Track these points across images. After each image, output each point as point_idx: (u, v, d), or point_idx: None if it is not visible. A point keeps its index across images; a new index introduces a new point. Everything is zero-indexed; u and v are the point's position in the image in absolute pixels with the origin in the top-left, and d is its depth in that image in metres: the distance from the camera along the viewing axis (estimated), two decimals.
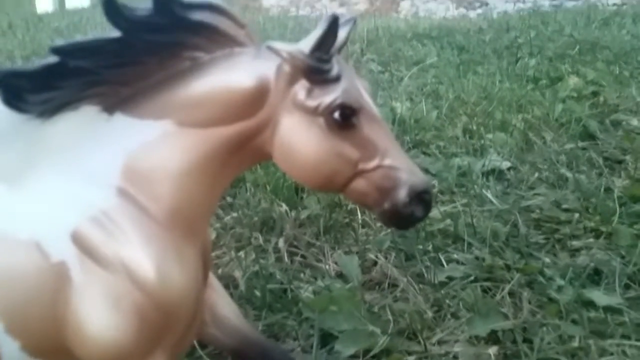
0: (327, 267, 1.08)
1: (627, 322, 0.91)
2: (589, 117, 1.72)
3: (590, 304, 0.97)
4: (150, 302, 0.53)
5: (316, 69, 0.54)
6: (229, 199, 1.28)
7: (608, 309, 0.96)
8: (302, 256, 1.11)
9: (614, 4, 4.24)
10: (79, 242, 0.53)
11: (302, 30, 3.30)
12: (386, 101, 1.94)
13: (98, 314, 0.52)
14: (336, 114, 0.54)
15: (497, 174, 1.42)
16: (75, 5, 5.97)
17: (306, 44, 0.55)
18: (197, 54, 0.54)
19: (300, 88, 0.55)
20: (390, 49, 2.76)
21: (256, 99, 0.55)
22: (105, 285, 0.52)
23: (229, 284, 1.00)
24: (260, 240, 1.12)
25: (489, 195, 1.29)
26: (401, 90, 2.06)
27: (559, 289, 1.01)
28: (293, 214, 1.20)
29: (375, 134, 0.56)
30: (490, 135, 1.61)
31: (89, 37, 0.52)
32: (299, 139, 0.55)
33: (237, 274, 1.01)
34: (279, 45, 0.56)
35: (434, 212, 1.22)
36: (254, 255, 1.07)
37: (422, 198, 0.57)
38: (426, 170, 1.44)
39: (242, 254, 1.07)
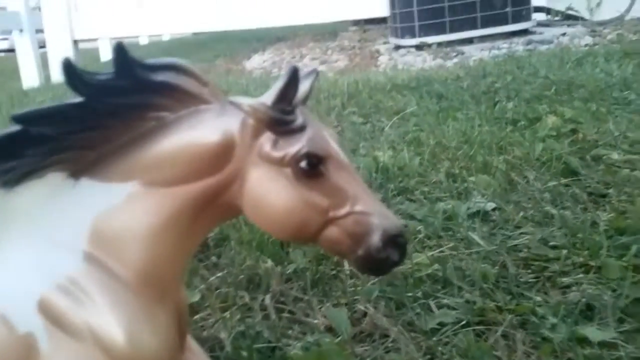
0: (316, 321, 1.05)
1: (623, 357, 0.89)
2: (569, 154, 1.74)
3: (584, 341, 0.95)
4: None
5: (279, 121, 0.55)
6: (213, 259, 1.27)
7: (603, 344, 0.94)
8: (290, 312, 1.08)
9: (586, 45, 4.37)
10: (46, 311, 0.51)
11: None
12: (369, 151, 1.96)
13: None
14: (303, 163, 0.55)
15: (482, 215, 1.41)
16: (61, 79, 6.07)
17: (268, 97, 0.56)
18: (162, 114, 0.55)
19: (266, 140, 0.55)
20: (370, 101, 2.81)
21: (222, 154, 0.55)
22: (73, 354, 0.51)
23: (214, 346, 0.97)
24: (247, 299, 1.10)
25: (476, 237, 1.29)
26: (383, 140, 2.08)
27: (553, 327, 0.99)
28: (279, 269, 1.19)
29: (345, 181, 0.56)
30: (473, 178, 1.62)
31: (51, 103, 0.52)
32: (267, 191, 0.55)
33: (223, 335, 0.98)
34: (241, 99, 0.57)
35: (422, 258, 1.22)
36: (239, 315, 1.04)
37: (396, 242, 0.56)
38: (411, 217, 1.44)
39: (227, 314, 1.05)
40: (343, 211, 0.56)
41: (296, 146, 0.55)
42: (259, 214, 0.56)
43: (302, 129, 0.56)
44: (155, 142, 0.54)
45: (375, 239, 0.55)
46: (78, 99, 0.52)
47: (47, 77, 6.13)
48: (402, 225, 0.58)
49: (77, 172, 0.54)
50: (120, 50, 0.52)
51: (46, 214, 0.54)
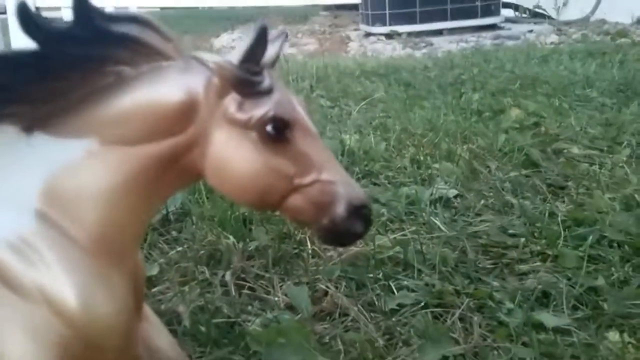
0: (276, 299, 1.05)
1: (576, 343, 0.92)
2: (531, 146, 1.77)
3: (539, 326, 0.97)
4: (74, 334, 0.49)
5: (246, 81, 0.53)
6: (174, 233, 1.24)
7: (557, 330, 0.96)
8: (251, 288, 1.07)
9: (552, 42, 4.45)
10: None
11: None
12: (335, 134, 1.95)
13: (16, 347, 0.47)
14: (269, 127, 0.53)
15: (444, 201, 1.43)
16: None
17: (235, 55, 0.53)
18: (121, 68, 0.52)
19: (231, 101, 0.53)
20: (339, 85, 2.80)
21: (185, 114, 0.53)
22: (23, 316, 0.48)
23: (172, 319, 0.95)
24: (207, 274, 1.09)
25: (437, 222, 1.30)
26: (350, 124, 2.08)
27: (509, 312, 1.01)
28: (241, 246, 1.17)
29: (311, 148, 0.55)
30: (437, 165, 1.63)
31: (5, 50, 0.49)
32: (231, 154, 0.53)
33: (182, 309, 0.96)
34: (206, 56, 0.54)
35: (384, 240, 1.22)
36: (199, 290, 1.03)
37: (360, 213, 0.55)
38: (375, 200, 1.44)
39: (186, 288, 1.03)
40: (309, 179, 0.54)
41: (262, 109, 0.53)
42: (221, 178, 0.54)
43: (269, 91, 0.54)
44: (115, 98, 0.52)
45: (340, 209, 0.54)
46: (35, 47, 0.49)
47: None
48: (367, 196, 0.57)
49: (30, 126, 0.51)
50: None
51: None
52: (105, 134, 0.52)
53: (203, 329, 0.93)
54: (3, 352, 0.48)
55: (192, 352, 0.88)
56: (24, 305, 0.48)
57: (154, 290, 1.03)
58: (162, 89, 0.52)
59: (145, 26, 0.52)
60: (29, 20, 0.48)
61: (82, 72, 0.51)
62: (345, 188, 0.55)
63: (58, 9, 8.22)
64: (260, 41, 0.53)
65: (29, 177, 0.51)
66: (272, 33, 0.59)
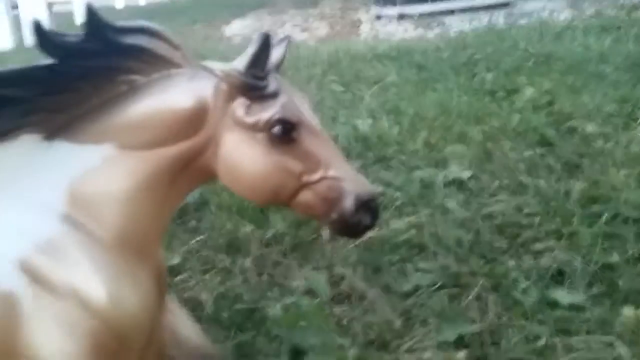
0: (295, 284, 1.07)
1: (591, 319, 0.93)
2: (545, 126, 1.77)
3: (554, 304, 0.98)
4: (104, 327, 0.52)
5: (252, 86, 0.56)
6: (193, 223, 1.27)
7: (572, 307, 0.98)
8: (270, 275, 1.10)
9: (565, 19, 4.38)
10: (28, 271, 0.52)
11: None
12: (348, 119, 1.96)
13: (51, 341, 0.51)
14: (276, 129, 0.56)
15: (458, 184, 1.44)
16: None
17: (240, 62, 0.56)
18: (133, 77, 0.55)
19: (239, 105, 0.56)
20: (351, 70, 2.80)
21: (196, 118, 0.56)
22: (57, 312, 0.52)
23: (196, 307, 0.98)
24: (227, 262, 1.12)
25: (452, 204, 1.31)
26: (362, 108, 2.09)
27: (524, 290, 1.02)
28: (259, 233, 1.20)
29: (317, 147, 0.58)
30: (450, 148, 1.64)
31: (21, 65, 0.52)
32: (241, 156, 0.56)
33: (204, 296, 1.00)
34: (214, 64, 0.58)
35: (399, 224, 1.24)
36: (220, 278, 1.06)
37: (368, 206, 0.58)
38: (389, 184, 1.46)
39: (207, 276, 1.06)
40: (316, 176, 0.57)
41: (269, 112, 0.56)
42: (233, 178, 0.57)
43: (275, 95, 0.57)
44: (128, 106, 0.55)
45: (348, 203, 0.57)
46: (49, 61, 0.52)
47: (20, 40, 5.97)
48: (374, 190, 0.60)
49: (51, 134, 0.54)
50: (91, 12, 0.52)
51: (23, 176, 0.54)
52: (121, 139, 0.55)
53: (225, 315, 0.96)
54: (39, 344, 0.51)
55: (217, 337, 0.91)
56: (57, 302, 0.52)
57: (176, 279, 1.06)
58: (173, 95, 0.55)
59: (154, 36, 0.55)
60: (44, 38, 0.51)
61: (95, 83, 0.54)
62: (352, 183, 0.58)
63: (69, 2, 8.27)
64: (264, 49, 0.55)
65: (53, 183, 0.54)
66: (275, 38, 0.61)
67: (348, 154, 1.66)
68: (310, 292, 1.05)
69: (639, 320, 0.91)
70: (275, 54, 0.60)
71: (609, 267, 1.07)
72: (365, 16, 5.37)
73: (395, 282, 1.06)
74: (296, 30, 5.11)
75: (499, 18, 4.59)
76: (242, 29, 5.67)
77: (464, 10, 4.87)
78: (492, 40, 3.36)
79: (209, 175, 0.59)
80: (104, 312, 0.53)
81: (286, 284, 1.08)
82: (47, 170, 0.54)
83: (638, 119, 1.81)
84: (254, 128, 0.56)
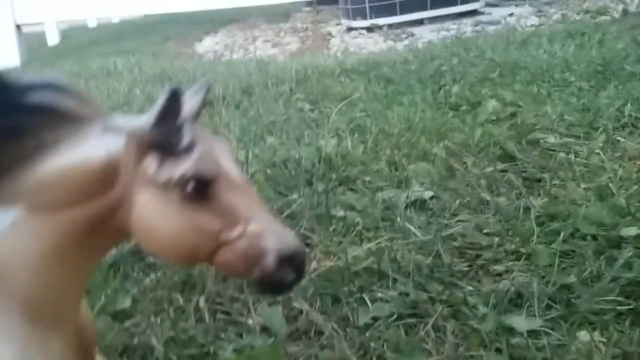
0: (250, 321, 1.05)
1: (547, 346, 0.92)
2: (507, 139, 1.77)
3: (512, 330, 0.97)
4: None
5: (161, 143, 0.53)
6: (150, 259, 1.24)
7: (530, 333, 0.97)
8: (225, 312, 1.08)
9: (532, 25, 4.44)
10: None
11: (231, 74, 3.31)
12: (312, 140, 1.95)
13: None
14: (189, 187, 0.53)
15: (419, 204, 1.43)
16: (5, 65, 5.82)
17: (149, 118, 0.53)
18: (40, 135, 0.52)
19: (151, 162, 0.53)
20: (319, 87, 2.79)
21: (106, 177, 0.53)
22: None
23: (146, 353, 0.96)
24: (181, 301, 1.09)
25: (412, 227, 1.30)
26: (328, 128, 2.08)
27: (482, 317, 1.01)
28: (214, 269, 1.17)
29: (237, 201, 0.55)
30: (412, 166, 1.63)
31: None
32: (154, 215, 0.53)
33: (154, 341, 0.97)
34: (123, 121, 0.55)
35: (358, 251, 1.22)
36: (173, 318, 1.03)
37: (292, 262, 0.55)
38: (352, 207, 1.45)
39: (159, 319, 1.03)
40: (235, 233, 0.54)
41: (182, 168, 0.53)
42: (147, 239, 0.55)
43: (189, 148, 0.54)
44: (36, 164, 0.52)
45: (269, 260, 0.54)
46: None
47: None
48: (297, 244, 0.57)
49: None
50: None
51: None
52: (29, 201, 0.52)
53: None
54: None
55: None
56: None
57: (127, 323, 1.03)
58: (81, 153, 0.53)
59: (61, 91, 0.52)
60: None
61: (1, 142, 0.51)
62: (274, 239, 0.55)
63: (40, 24, 8.18)
64: (172, 104, 0.52)
65: None
66: (194, 87, 0.59)
67: (311, 177, 1.65)
68: (267, 330, 1.03)
69: (593, 345, 0.90)
70: (191, 104, 0.57)
71: (566, 287, 1.07)
72: (335, 29, 5.39)
73: (354, 314, 1.04)
74: (267, 46, 5.10)
75: (467, 26, 4.64)
76: (213, 46, 5.65)
77: (432, 20, 4.91)
78: (458, 50, 3.38)
79: (124, 235, 0.57)
80: None
81: (242, 321, 1.05)
82: None
83: (599, 128, 1.82)
84: (166, 186, 0.53)
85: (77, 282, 0.57)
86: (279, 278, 0.55)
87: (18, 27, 6.02)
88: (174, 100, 0.52)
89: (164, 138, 0.53)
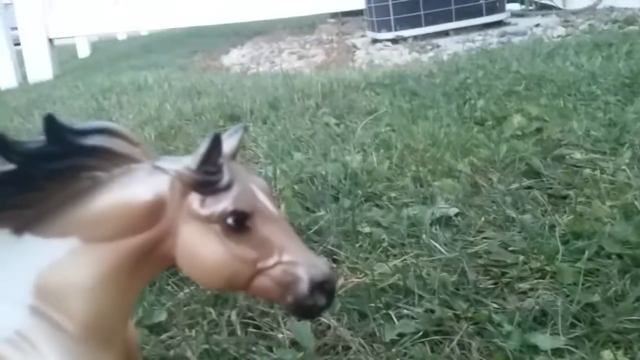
0: (280, 335, 1.09)
1: None
2: (532, 155, 1.78)
3: (536, 349, 0.99)
4: None
5: (204, 183, 0.58)
6: (182, 274, 1.29)
7: (554, 351, 0.98)
8: (256, 326, 1.12)
9: (559, 36, 4.42)
10: None
11: (258, 88, 3.37)
12: (338, 155, 1.98)
13: None
14: (229, 220, 0.58)
15: (445, 220, 1.45)
16: (39, 78, 6.00)
17: (193, 160, 0.59)
18: (95, 173, 0.58)
19: (194, 199, 0.59)
20: (344, 101, 2.83)
21: (154, 212, 0.58)
22: None
23: None
24: (214, 315, 1.13)
25: (437, 244, 1.33)
26: (353, 143, 2.11)
27: (507, 335, 1.03)
28: None
29: (272, 233, 0.60)
30: (438, 183, 1.66)
31: None
32: (197, 246, 0.58)
33: (189, 353, 1.01)
34: (167, 164, 0.60)
35: (384, 268, 1.25)
36: (206, 332, 1.07)
37: (323, 288, 0.60)
38: (378, 224, 1.48)
39: (194, 332, 1.08)
40: (271, 262, 0.59)
41: (223, 204, 0.58)
42: (191, 268, 0.60)
43: (228, 187, 0.58)
44: (91, 200, 0.57)
45: (303, 286, 0.58)
46: (11, 166, 0.54)
47: (24, 76, 6.07)
48: (328, 271, 0.61)
49: (19, 228, 0.57)
50: (49, 119, 0.55)
51: None
52: (85, 232, 0.57)
53: None
54: None
55: None
56: None
57: (162, 336, 1.08)
58: (133, 190, 0.58)
59: (113, 135, 0.58)
60: (7, 148, 0.54)
61: (59, 181, 0.57)
62: (307, 267, 0.59)
63: (72, 37, 8.40)
64: (214, 147, 0.57)
65: (21, 274, 0.56)
66: (230, 129, 0.65)
67: (338, 193, 1.69)
68: (295, 344, 1.07)
69: None
70: (229, 144, 0.63)
71: (591, 306, 1.08)
72: (360, 41, 5.43)
73: (380, 330, 1.07)
74: (293, 58, 5.17)
75: (493, 37, 4.64)
76: (240, 58, 5.75)
77: (457, 31, 4.92)
78: (484, 62, 3.39)
79: (169, 263, 0.62)
80: None
81: (272, 335, 1.09)
82: (14, 263, 0.57)
83: (625, 143, 1.83)
84: (208, 220, 0.58)
85: (126, 304, 0.62)
86: (312, 303, 0.59)
87: (50, 40, 6.21)
88: (215, 144, 0.57)
89: (206, 178, 0.58)
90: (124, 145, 0.58)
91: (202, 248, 0.58)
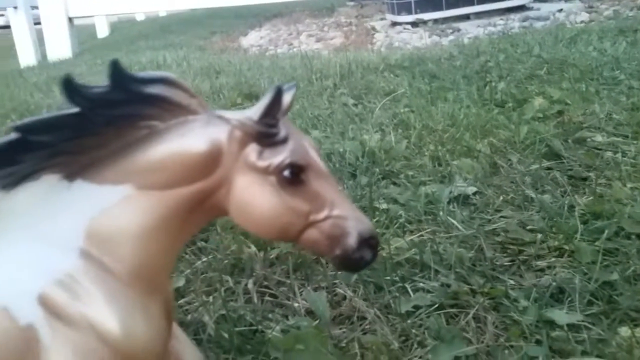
0: (296, 305, 1.10)
1: (587, 339, 0.94)
2: (553, 137, 1.76)
3: (552, 324, 0.99)
4: (117, 356, 0.56)
5: (265, 134, 0.60)
6: (200, 244, 1.31)
7: (570, 327, 0.98)
8: (272, 295, 1.13)
9: (582, 21, 4.35)
10: (46, 304, 0.56)
11: (276, 69, 3.37)
12: (356, 134, 1.98)
13: None
14: (286, 172, 0.59)
15: (462, 199, 1.45)
16: (58, 56, 6.05)
17: (254, 112, 0.60)
18: (153, 122, 0.59)
19: (252, 151, 0.60)
20: (362, 82, 2.82)
21: (210, 162, 0.59)
22: (72, 343, 0.55)
23: (198, 329, 1.01)
24: (231, 283, 1.14)
25: (455, 221, 1.32)
26: (372, 122, 2.10)
27: (523, 310, 1.03)
28: (262, 254, 1.22)
29: (323, 188, 0.61)
30: (456, 162, 1.65)
31: (49, 113, 0.56)
32: (252, 197, 0.60)
33: (206, 318, 1.03)
34: (229, 114, 0.61)
35: (401, 242, 1.25)
36: (223, 299, 1.08)
37: (369, 243, 0.62)
38: (395, 201, 1.48)
39: (211, 298, 1.09)
40: (322, 215, 0.60)
41: (280, 157, 0.59)
42: (244, 217, 0.61)
43: (285, 140, 0.60)
44: (147, 149, 0.58)
45: (351, 240, 0.60)
46: (75, 110, 0.55)
47: (43, 55, 6.12)
48: (373, 228, 0.63)
49: (71, 174, 0.58)
50: (115, 65, 0.56)
51: (43, 214, 0.57)
52: (139, 180, 0.58)
53: (227, 336, 0.98)
54: None
55: (217, 359, 0.94)
56: (73, 333, 0.55)
57: (180, 301, 1.09)
58: (190, 140, 0.59)
59: (172, 86, 0.58)
60: (74, 91, 0.55)
61: (117, 128, 0.57)
62: (355, 222, 0.61)
63: (91, 17, 8.44)
64: (276, 101, 0.59)
65: (72, 220, 0.58)
66: (285, 86, 0.65)
67: (355, 170, 1.69)
68: (311, 313, 1.07)
69: (633, 340, 0.91)
70: (285, 101, 0.63)
71: (609, 284, 1.07)
72: (380, 24, 5.39)
73: (395, 302, 1.07)
74: (311, 40, 5.14)
75: (514, 22, 4.58)
76: (258, 40, 5.73)
77: (479, 15, 4.86)
78: (505, 46, 3.35)
79: (220, 213, 0.63)
80: (117, 343, 0.56)
81: (288, 304, 1.10)
82: (67, 209, 0.58)
83: None
84: (265, 171, 0.59)
85: (173, 253, 0.63)
86: (359, 256, 0.61)
87: (70, 20, 6.24)
88: (277, 97, 0.58)
89: (267, 130, 0.59)
90: (182, 96, 0.59)
91: (257, 199, 0.60)
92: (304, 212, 0.60)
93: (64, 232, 0.57)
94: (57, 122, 0.56)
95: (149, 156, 0.58)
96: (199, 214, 0.62)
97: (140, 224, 0.58)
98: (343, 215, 0.61)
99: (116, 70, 0.56)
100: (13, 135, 0.55)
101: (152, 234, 0.59)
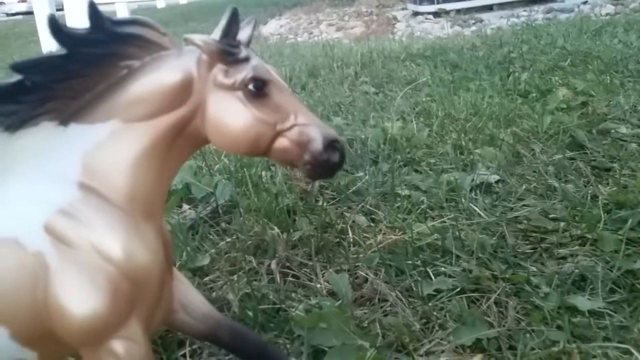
0: (319, 285, 1.11)
1: (609, 326, 0.94)
2: (577, 127, 1.75)
3: (574, 310, 0.99)
4: (121, 274, 0.62)
5: (227, 52, 0.66)
6: (223, 225, 1.32)
7: (592, 313, 0.98)
8: (295, 276, 1.14)
9: (607, 14, 4.29)
10: (52, 232, 0.62)
11: (297, 57, 3.37)
12: (378, 122, 1.98)
13: (76, 289, 0.60)
14: (250, 86, 0.66)
15: (485, 187, 1.45)
16: None
17: (215, 34, 0.67)
18: (130, 62, 0.65)
19: (218, 71, 0.67)
20: (384, 71, 2.82)
21: (184, 89, 0.66)
22: (79, 264, 0.61)
23: (223, 306, 1.03)
24: (254, 263, 1.16)
25: (477, 208, 1.32)
26: (393, 110, 2.11)
27: (545, 296, 1.03)
28: (285, 236, 1.24)
29: (286, 100, 0.68)
30: (479, 150, 1.65)
31: (41, 55, 0.64)
32: (224, 113, 0.66)
33: (231, 296, 1.04)
34: (194, 36, 0.68)
35: (422, 228, 1.26)
36: (246, 278, 1.10)
37: (334, 146, 0.67)
38: (416, 188, 1.48)
39: (235, 277, 1.11)
40: (288, 124, 0.67)
41: (243, 72, 0.66)
42: (219, 135, 0.67)
43: (247, 59, 0.67)
44: (128, 86, 0.65)
45: (317, 144, 0.66)
46: (62, 52, 0.62)
47: None
48: (336, 132, 0.69)
49: (65, 119, 0.64)
50: (93, 8, 0.62)
51: (44, 154, 0.64)
52: (124, 115, 0.65)
53: (251, 314, 1.00)
54: (64, 294, 0.60)
55: None
56: (78, 256, 0.61)
57: (205, 279, 1.11)
58: (164, 72, 0.66)
59: (144, 25, 0.65)
60: (59, 30, 0.61)
61: (100, 69, 0.64)
62: (318, 127, 0.67)
63: (112, 3, 8.50)
64: (233, 20, 0.65)
65: (70, 157, 0.64)
66: (244, 20, 0.72)
67: (377, 157, 1.69)
68: (333, 294, 1.09)
69: None
70: (245, 32, 0.70)
71: (631, 273, 1.07)
72: (401, 13, 5.36)
73: (417, 286, 1.08)
74: (331, 29, 5.14)
75: (538, 13, 4.53)
76: (278, 29, 5.74)
77: (502, 6, 4.82)
78: (529, 37, 3.32)
79: (202, 140, 0.69)
80: (120, 262, 0.62)
81: (310, 285, 1.11)
82: (64, 149, 0.65)
83: None
84: (232, 87, 0.66)
85: (164, 181, 0.69)
86: (327, 158, 0.66)
87: (92, 4, 6.29)
88: (234, 17, 0.65)
89: (229, 48, 0.65)
90: (154, 34, 0.66)
91: (228, 114, 0.66)
92: (271, 122, 0.66)
93: (63, 168, 0.64)
94: (47, 61, 0.62)
95: (130, 92, 0.65)
96: (182, 141, 0.68)
97: (129, 154, 0.65)
98: (307, 123, 0.67)
99: (94, 12, 0.62)
100: (14, 78, 0.61)
101: (141, 162, 0.65)
